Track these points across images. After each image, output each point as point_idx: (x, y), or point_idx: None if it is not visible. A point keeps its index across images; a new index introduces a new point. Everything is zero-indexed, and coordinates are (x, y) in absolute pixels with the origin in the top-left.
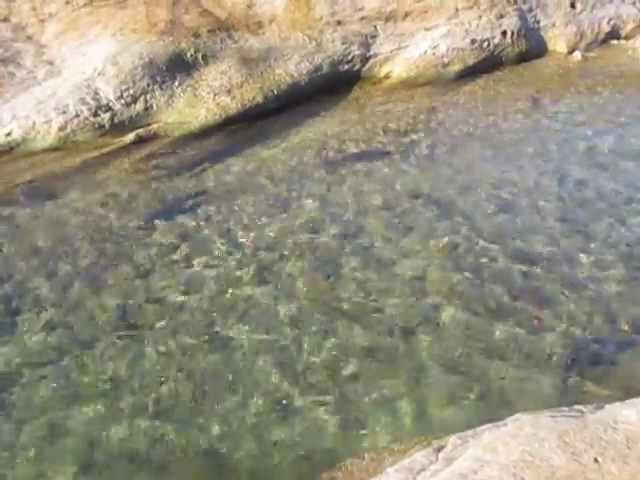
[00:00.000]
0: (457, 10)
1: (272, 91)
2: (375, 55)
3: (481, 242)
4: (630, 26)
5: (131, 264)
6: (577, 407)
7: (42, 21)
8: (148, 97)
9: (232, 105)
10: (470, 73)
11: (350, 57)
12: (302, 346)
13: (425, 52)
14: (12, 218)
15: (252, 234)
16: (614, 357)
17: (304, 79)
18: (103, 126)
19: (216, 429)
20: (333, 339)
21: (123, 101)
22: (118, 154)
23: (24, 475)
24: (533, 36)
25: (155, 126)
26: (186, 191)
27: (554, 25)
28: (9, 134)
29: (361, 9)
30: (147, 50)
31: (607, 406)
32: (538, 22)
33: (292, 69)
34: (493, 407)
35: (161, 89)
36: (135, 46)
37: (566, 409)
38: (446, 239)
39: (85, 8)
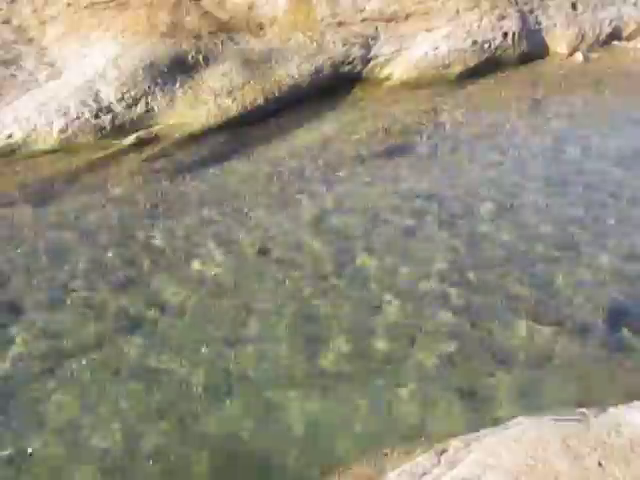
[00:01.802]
0: (458, 11)
1: (273, 93)
2: (376, 56)
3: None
4: (632, 27)
5: (132, 266)
6: (580, 410)
7: (43, 23)
8: (149, 99)
9: (233, 107)
10: (471, 74)
11: (351, 58)
12: None
13: (426, 54)
14: (12, 220)
15: (254, 235)
16: None
17: (305, 80)
18: (104, 128)
19: None
20: None
21: (124, 103)
22: (119, 156)
23: None
24: (534, 37)
25: (156, 128)
26: (187, 193)
27: (555, 26)
28: (10, 136)
29: (362, 10)
30: (148, 52)
31: (610, 409)
32: (539, 23)
33: (293, 70)
34: None
35: (162, 91)
36: (136, 48)
37: (569, 412)
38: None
39: (86, 10)
